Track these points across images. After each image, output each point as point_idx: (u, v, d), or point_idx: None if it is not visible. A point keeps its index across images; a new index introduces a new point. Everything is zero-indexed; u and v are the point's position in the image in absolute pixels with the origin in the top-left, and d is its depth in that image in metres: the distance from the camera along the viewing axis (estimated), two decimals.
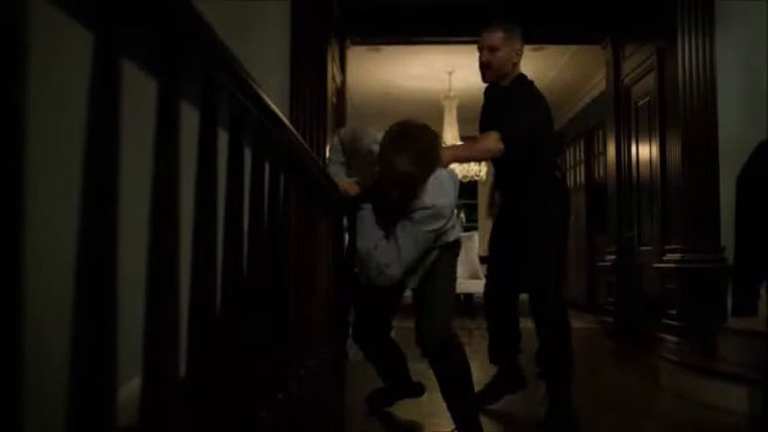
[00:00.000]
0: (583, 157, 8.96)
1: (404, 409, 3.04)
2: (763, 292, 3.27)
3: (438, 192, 2.37)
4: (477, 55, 3.20)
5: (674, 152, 4.67)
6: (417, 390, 3.08)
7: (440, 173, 2.40)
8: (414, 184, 2.29)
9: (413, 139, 2.23)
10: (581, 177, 9.01)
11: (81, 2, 0.76)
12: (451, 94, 8.29)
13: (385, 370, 2.98)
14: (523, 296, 3.08)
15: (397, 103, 9.83)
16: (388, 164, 2.25)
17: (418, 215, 2.35)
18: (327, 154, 2.82)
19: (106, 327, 0.74)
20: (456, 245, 2.63)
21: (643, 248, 5.34)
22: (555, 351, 2.88)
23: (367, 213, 2.50)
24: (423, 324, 2.53)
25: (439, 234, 2.45)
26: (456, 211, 2.64)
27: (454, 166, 3.09)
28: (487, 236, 3.44)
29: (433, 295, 2.54)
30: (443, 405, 3.22)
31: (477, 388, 2.94)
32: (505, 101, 2.97)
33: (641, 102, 5.41)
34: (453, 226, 2.56)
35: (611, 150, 6.05)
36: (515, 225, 3.01)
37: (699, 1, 4.54)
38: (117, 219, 0.76)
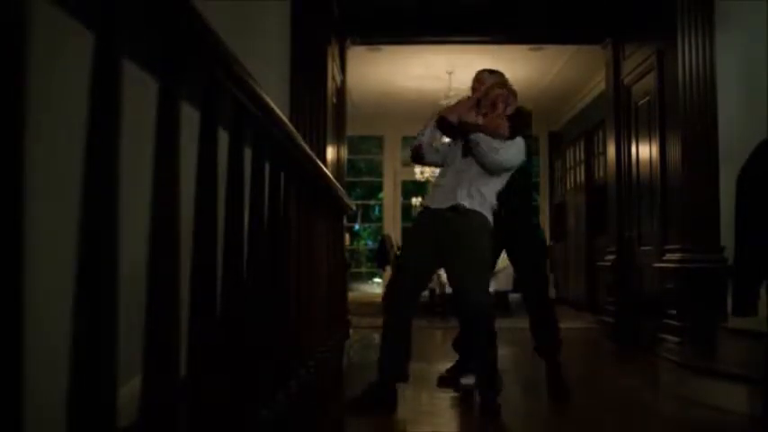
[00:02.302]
0: (583, 157, 8.95)
1: (403, 409, 3.04)
2: (763, 292, 3.26)
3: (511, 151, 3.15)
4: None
5: (674, 152, 4.67)
6: (404, 378, 3.18)
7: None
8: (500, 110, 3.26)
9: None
10: (581, 177, 9.01)
11: (82, 2, 0.76)
12: (451, 93, 8.28)
13: (393, 347, 3.13)
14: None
15: (397, 103, 9.83)
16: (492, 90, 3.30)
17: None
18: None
19: (106, 327, 0.74)
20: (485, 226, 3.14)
21: (643, 248, 5.34)
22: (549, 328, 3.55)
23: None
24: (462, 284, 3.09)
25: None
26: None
27: None
28: None
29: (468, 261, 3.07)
30: (443, 404, 3.23)
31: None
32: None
33: (641, 102, 5.40)
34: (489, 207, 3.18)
35: (611, 150, 6.05)
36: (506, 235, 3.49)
37: (699, 1, 4.53)
38: (117, 218, 0.76)
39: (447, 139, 3.41)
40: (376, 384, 3.07)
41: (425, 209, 3.29)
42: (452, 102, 3.74)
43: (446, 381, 3.54)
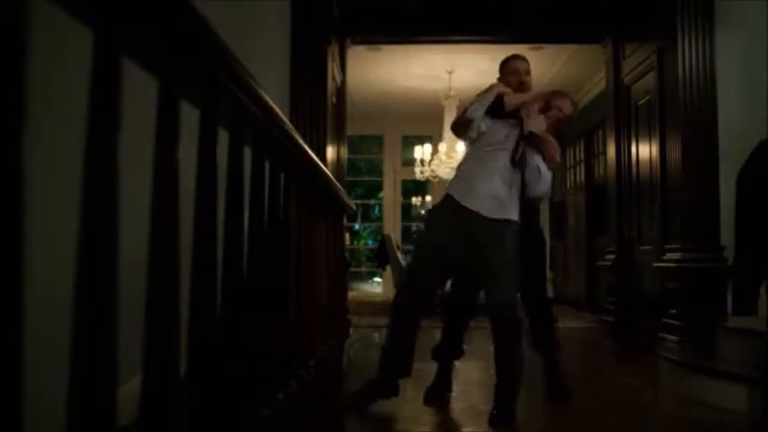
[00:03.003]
0: (583, 156, 8.95)
1: (404, 408, 3.04)
2: (762, 291, 3.26)
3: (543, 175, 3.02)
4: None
5: (674, 152, 4.67)
6: (406, 373, 3.07)
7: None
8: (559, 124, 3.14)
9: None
10: (581, 177, 9.01)
11: (82, 1, 0.76)
12: (451, 93, 8.29)
13: (397, 346, 3.04)
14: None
15: (398, 103, 9.83)
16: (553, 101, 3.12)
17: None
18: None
19: (106, 327, 0.74)
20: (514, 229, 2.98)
21: (643, 248, 5.34)
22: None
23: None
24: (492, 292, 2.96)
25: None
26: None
27: None
28: None
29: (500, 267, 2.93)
30: (443, 403, 3.22)
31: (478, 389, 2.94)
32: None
33: (641, 101, 5.41)
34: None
35: (611, 150, 6.05)
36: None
37: (699, 1, 4.54)
38: (117, 218, 0.76)
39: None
40: (376, 381, 3.03)
41: (453, 202, 3.01)
42: (455, 99, 3.63)
43: (433, 399, 3.23)
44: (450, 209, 3.02)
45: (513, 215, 2.96)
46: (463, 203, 2.96)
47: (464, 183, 3.04)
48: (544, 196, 3.07)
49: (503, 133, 3.02)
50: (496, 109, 3.07)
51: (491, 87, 3.18)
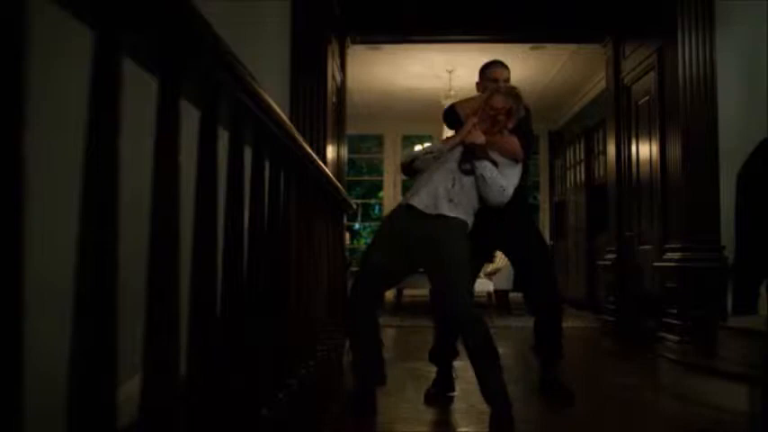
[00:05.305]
0: (583, 156, 8.94)
1: (405, 408, 3.04)
2: (763, 290, 3.27)
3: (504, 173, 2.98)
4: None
5: (675, 151, 4.67)
6: (382, 381, 3.03)
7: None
8: (504, 120, 3.02)
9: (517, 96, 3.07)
10: (581, 177, 9.01)
11: (82, 1, 0.76)
12: (451, 92, 8.29)
13: (368, 352, 2.99)
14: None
15: (398, 102, 9.83)
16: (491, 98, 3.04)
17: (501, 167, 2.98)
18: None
19: (106, 327, 0.74)
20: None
21: (643, 247, 5.34)
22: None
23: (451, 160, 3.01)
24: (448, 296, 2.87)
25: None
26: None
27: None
28: None
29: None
30: (443, 403, 3.22)
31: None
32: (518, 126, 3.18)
33: (641, 101, 5.41)
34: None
35: (612, 149, 6.05)
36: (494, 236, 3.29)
37: (699, 0, 4.54)
38: (117, 218, 0.76)
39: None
40: (357, 393, 2.97)
41: (400, 206, 3.07)
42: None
43: (433, 399, 3.22)
44: (397, 212, 3.07)
45: (449, 212, 2.88)
46: (406, 203, 2.98)
47: (413, 187, 3.08)
48: (498, 202, 2.93)
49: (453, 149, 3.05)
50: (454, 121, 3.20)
51: (448, 140, 3.22)
